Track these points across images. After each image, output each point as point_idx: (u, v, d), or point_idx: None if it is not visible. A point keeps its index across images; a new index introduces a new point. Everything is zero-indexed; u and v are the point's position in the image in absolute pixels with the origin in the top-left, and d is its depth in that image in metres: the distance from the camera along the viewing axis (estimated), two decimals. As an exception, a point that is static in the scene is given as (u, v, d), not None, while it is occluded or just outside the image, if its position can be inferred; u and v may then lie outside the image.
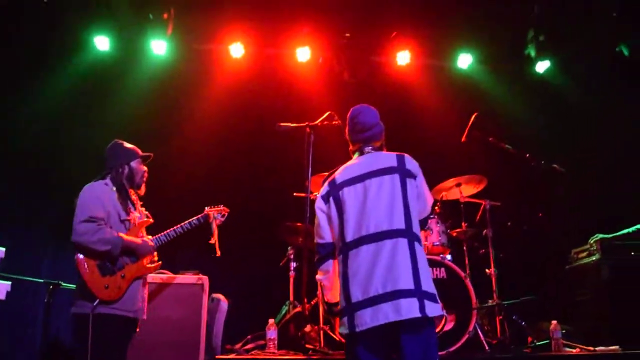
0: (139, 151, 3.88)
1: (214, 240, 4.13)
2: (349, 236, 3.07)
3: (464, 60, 7.04)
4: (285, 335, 4.61)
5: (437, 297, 2.97)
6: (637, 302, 5.15)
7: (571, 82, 7.06)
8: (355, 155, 3.34)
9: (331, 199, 3.20)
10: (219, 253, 4.13)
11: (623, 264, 5.30)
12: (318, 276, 3.28)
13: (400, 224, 3.01)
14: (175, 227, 3.93)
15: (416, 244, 3.02)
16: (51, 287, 4.19)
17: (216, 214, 4.18)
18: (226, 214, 4.24)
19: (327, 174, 4.92)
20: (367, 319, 2.89)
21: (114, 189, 3.70)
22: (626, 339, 4.77)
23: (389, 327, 2.86)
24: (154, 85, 6.39)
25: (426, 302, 2.87)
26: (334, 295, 3.23)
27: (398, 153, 3.23)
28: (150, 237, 3.81)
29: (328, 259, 3.23)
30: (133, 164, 3.81)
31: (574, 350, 4.67)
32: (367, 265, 2.97)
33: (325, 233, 3.22)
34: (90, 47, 6.28)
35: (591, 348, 4.66)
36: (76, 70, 6.19)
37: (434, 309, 2.89)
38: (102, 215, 3.55)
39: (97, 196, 3.60)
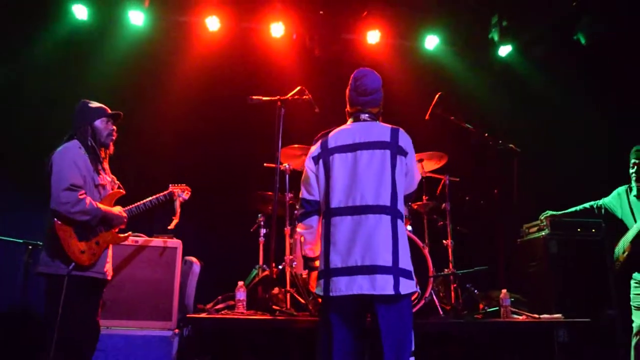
0: (107, 109, 3.80)
1: (176, 217, 4.20)
2: (334, 203, 3.08)
3: (431, 42, 7.12)
4: (253, 297, 4.67)
5: (413, 274, 3.01)
6: (581, 275, 5.38)
7: (530, 67, 7.22)
8: (350, 120, 3.30)
9: (321, 161, 3.19)
10: (173, 226, 4.22)
11: (570, 239, 5.49)
12: (300, 230, 3.29)
13: (385, 200, 3.01)
14: (144, 202, 3.97)
15: (399, 221, 3.03)
16: (30, 247, 4.20)
17: (180, 192, 4.23)
18: (189, 192, 4.28)
19: (296, 146, 5.06)
20: (342, 286, 2.95)
21: (84, 151, 3.64)
22: (568, 308, 4.98)
23: (364, 297, 2.93)
24: (130, 56, 6.34)
25: (401, 280, 2.91)
26: (313, 250, 3.23)
27: (393, 127, 3.20)
28: (120, 208, 3.80)
29: (312, 215, 3.23)
30: (97, 122, 3.72)
31: (520, 317, 4.80)
32: (348, 236, 2.99)
33: (314, 190, 3.21)
34: (68, 16, 6.16)
35: (536, 315, 4.82)
36: (54, 38, 6.09)
37: (407, 286, 2.93)
38: (81, 183, 3.54)
39: (74, 161, 3.56)
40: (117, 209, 3.78)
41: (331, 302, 3.04)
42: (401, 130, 3.20)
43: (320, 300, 3.20)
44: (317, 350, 3.12)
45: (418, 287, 3.15)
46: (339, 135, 3.23)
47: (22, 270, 4.26)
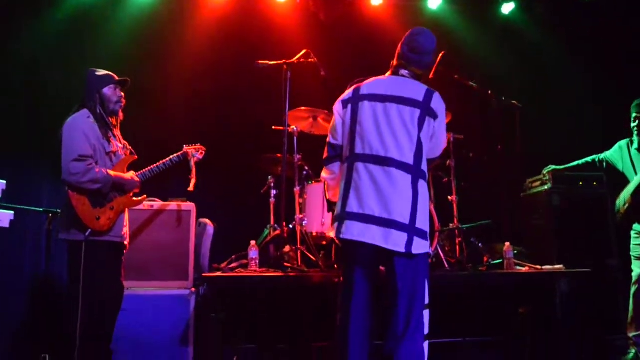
0: (114, 76, 3.79)
1: (193, 176, 4.20)
2: (358, 149, 3.05)
3: (434, 1, 7.02)
4: (266, 255, 4.75)
5: (427, 235, 3.00)
6: (582, 227, 5.43)
7: (533, 24, 7.12)
8: (389, 73, 3.24)
9: (349, 106, 3.15)
10: (192, 188, 4.22)
11: (572, 192, 5.53)
12: (324, 174, 3.30)
13: (409, 158, 2.97)
14: (157, 164, 3.97)
15: (421, 181, 3.00)
16: (50, 215, 4.26)
17: (194, 152, 4.22)
18: (204, 152, 4.28)
19: (303, 108, 5.06)
20: (355, 231, 2.95)
21: (93, 119, 3.64)
22: (570, 259, 5.03)
23: (377, 248, 2.93)
24: (136, 23, 6.28)
25: (415, 239, 2.91)
26: (335, 194, 3.22)
27: (429, 88, 3.14)
28: (132, 172, 3.83)
29: (336, 160, 3.23)
30: (105, 90, 3.72)
31: (523, 269, 4.84)
32: (369, 184, 2.96)
33: (338, 135, 3.20)
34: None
35: (539, 267, 4.86)
36: (60, 13, 6.03)
37: (421, 246, 2.93)
38: (90, 152, 3.55)
39: (83, 131, 3.56)
40: (130, 174, 3.81)
41: (345, 245, 3.07)
42: (437, 93, 3.14)
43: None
44: (339, 294, 3.15)
45: (431, 248, 3.13)
46: (372, 84, 3.18)
47: (45, 238, 4.34)
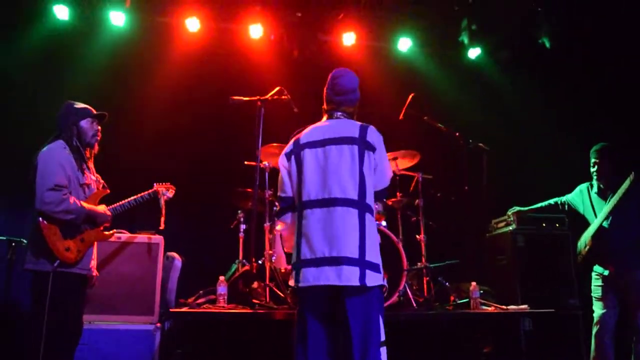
0: (92, 110, 3.78)
1: (162, 214, 4.18)
2: (305, 196, 3.07)
3: (404, 44, 7.15)
4: (234, 291, 4.67)
5: (380, 268, 2.99)
6: (546, 268, 5.50)
7: (499, 69, 7.32)
8: (324, 118, 3.29)
9: (293, 157, 3.18)
10: (162, 226, 4.20)
11: (535, 233, 5.61)
12: (277, 227, 3.31)
13: (353, 194, 3.00)
14: (128, 200, 3.94)
15: (367, 214, 3.01)
16: (13, 244, 4.13)
17: (164, 190, 4.20)
18: (174, 191, 4.26)
19: (275, 144, 5.05)
20: (310, 277, 2.94)
21: (69, 151, 3.60)
22: (534, 300, 5.10)
23: (331, 288, 2.92)
24: (112, 56, 6.25)
25: (367, 272, 2.89)
26: (291, 246, 3.20)
27: (363, 124, 3.18)
28: (104, 206, 3.78)
29: (288, 212, 3.23)
30: (83, 123, 3.70)
31: (489, 309, 4.87)
32: (317, 228, 2.98)
33: (287, 187, 3.21)
34: (49, 16, 6.05)
35: (504, 307, 4.90)
36: (35, 38, 5.98)
37: (374, 278, 2.92)
38: (65, 183, 3.51)
39: (59, 161, 3.52)
40: (102, 208, 3.76)
41: (302, 293, 3.05)
42: (371, 127, 3.18)
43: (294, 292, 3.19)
44: (293, 341, 3.10)
45: (386, 280, 3.10)
46: (310, 132, 3.23)
47: (5, 267, 4.17)
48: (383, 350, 2.94)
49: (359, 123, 3.21)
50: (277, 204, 3.30)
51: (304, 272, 2.99)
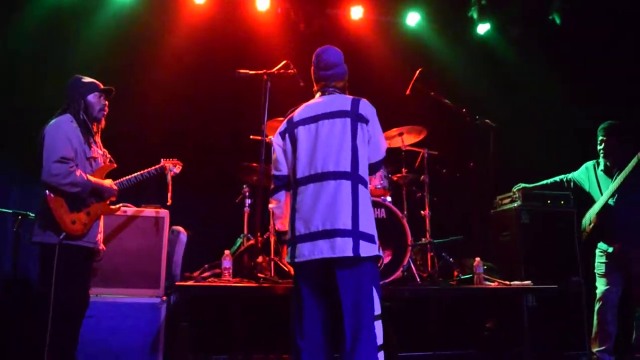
0: (99, 84, 3.78)
1: (169, 190, 4.17)
2: (299, 173, 3.08)
3: (413, 18, 7.05)
4: (239, 265, 4.67)
5: (375, 238, 2.99)
6: (549, 244, 5.49)
7: (507, 45, 7.21)
8: (317, 95, 3.29)
9: (287, 135, 3.19)
10: (169, 202, 4.19)
11: (540, 210, 5.59)
12: (270, 205, 3.30)
13: (345, 166, 2.99)
14: (135, 175, 3.94)
15: (360, 186, 3.00)
16: (20, 217, 4.14)
17: (172, 166, 4.19)
18: (180, 167, 4.25)
19: (282, 118, 5.00)
20: (306, 252, 2.95)
21: (76, 124, 3.61)
22: (537, 275, 5.09)
23: (326, 262, 2.91)
24: (117, 29, 6.14)
25: (361, 243, 2.89)
26: (283, 224, 3.24)
27: (355, 97, 3.18)
28: (111, 180, 3.79)
29: (281, 190, 3.25)
30: (90, 97, 3.70)
31: (492, 284, 4.86)
32: (310, 203, 2.99)
33: (282, 166, 3.22)
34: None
35: (507, 282, 4.89)
36: (39, 13, 5.87)
37: (368, 249, 2.91)
38: (72, 155, 3.51)
39: (65, 134, 3.53)
40: (108, 182, 3.76)
41: (298, 268, 3.05)
42: (363, 100, 3.18)
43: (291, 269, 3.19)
44: (291, 317, 3.10)
45: (381, 251, 3.07)
46: (304, 109, 3.23)
47: (12, 240, 4.19)
48: (378, 324, 2.91)
49: (351, 97, 3.20)
50: (272, 182, 3.29)
51: (299, 247, 2.99)
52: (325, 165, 3.02)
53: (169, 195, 4.17)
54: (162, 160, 4.19)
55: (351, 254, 2.86)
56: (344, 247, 2.87)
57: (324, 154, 3.04)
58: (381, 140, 3.22)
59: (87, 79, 3.77)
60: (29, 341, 3.77)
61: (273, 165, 3.29)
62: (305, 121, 3.16)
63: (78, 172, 3.51)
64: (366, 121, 3.10)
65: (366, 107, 3.15)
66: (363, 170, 3.06)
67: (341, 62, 3.32)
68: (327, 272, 2.96)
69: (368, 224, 2.98)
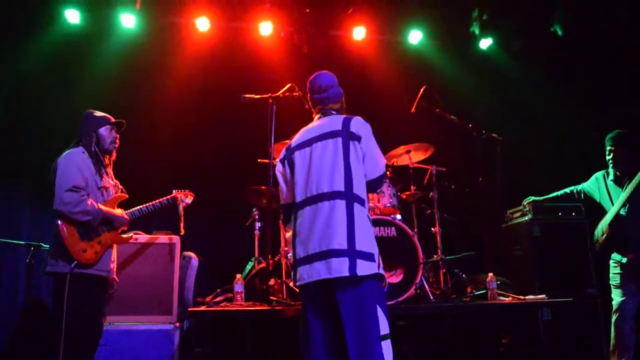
0: (110, 118, 3.88)
1: (181, 220, 4.22)
2: (297, 197, 3.09)
3: (415, 36, 7.09)
4: (251, 289, 4.68)
5: (375, 257, 2.94)
6: (562, 256, 5.39)
7: (510, 59, 7.23)
8: (315, 118, 3.31)
9: (286, 162, 3.22)
10: (182, 232, 4.25)
11: (551, 223, 5.50)
12: (287, 234, 3.36)
13: (339, 186, 2.98)
14: (147, 205, 4.02)
15: (356, 204, 2.97)
16: (32, 248, 4.17)
17: (183, 197, 4.26)
18: (192, 197, 4.32)
19: (288, 141, 5.03)
20: (305, 274, 2.95)
21: (87, 155, 3.70)
22: (552, 289, 5.01)
23: (325, 283, 2.90)
24: (123, 58, 6.24)
25: (358, 262, 2.85)
26: None
27: (347, 116, 3.19)
28: (122, 210, 3.86)
29: (289, 219, 3.24)
30: (102, 130, 3.81)
31: (506, 299, 4.81)
32: (308, 225, 2.99)
33: (285, 194, 3.25)
34: (61, 20, 6.07)
35: (521, 297, 4.84)
36: (47, 43, 5.99)
37: (366, 267, 2.87)
38: (83, 184, 3.59)
39: (77, 165, 3.62)
40: (119, 211, 3.83)
41: (302, 291, 3.05)
42: (356, 117, 3.17)
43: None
44: (300, 339, 3.09)
45: (382, 269, 3.01)
46: (300, 135, 3.26)
47: (25, 271, 4.22)
48: (385, 344, 2.86)
49: (344, 116, 3.21)
50: (281, 212, 3.33)
51: (300, 270, 3.00)
52: (319, 187, 3.02)
53: (182, 225, 4.23)
54: (174, 191, 4.26)
55: (347, 274, 2.84)
56: (340, 268, 2.85)
57: (317, 176, 3.05)
58: (378, 157, 3.18)
59: (99, 113, 3.88)
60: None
61: (280, 195, 3.32)
62: (301, 146, 3.19)
63: (89, 201, 3.58)
64: (358, 138, 3.09)
65: (358, 124, 3.13)
66: (358, 189, 3.04)
67: (334, 84, 3.35)
68: (328, 293, 2.94)
69: (366, 242, 2.95)
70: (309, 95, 3.39)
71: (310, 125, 3.29)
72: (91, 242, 3.60)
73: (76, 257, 3.52)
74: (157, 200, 4.10)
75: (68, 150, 3.71)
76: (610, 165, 4.94)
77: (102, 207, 3.66)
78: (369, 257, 2.91)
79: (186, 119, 6.35)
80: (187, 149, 6.32)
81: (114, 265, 3.82)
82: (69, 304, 3.45)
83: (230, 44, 6.67)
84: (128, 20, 6.24)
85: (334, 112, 3.28)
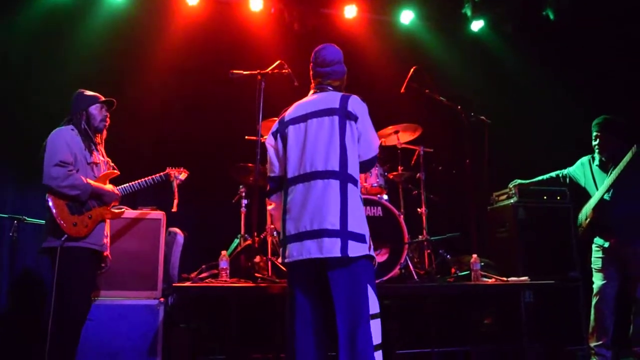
0: (100, 97, 3.90)
1: (175, 197, 4.22)
2: (290, 173, 3.06)
3: (406, 16, 7.05)
4: (236, 265, 4.66)
5: (366, 238, 2.94)
6: (546, 240, 5.52)
7: (501, 41, 7.22)
8: (310, 93, 3.26)
9: (278, 135, 3.17)
10: (175, 209, 4.22)
11: (536, 206, 5.61)
12: (269, 207, 3.29)
13: (334, 165, 2.95)
14: (139, 181, 4.03)
15: (350, 185, 2.95)
16: (16, 222, 4.16)
17: (177, 174, 4.26)
18: (186, 175, 4.32)
19: (276, 118, 4.98)
20: (295, 252, 2.93)
21: (77, 133, 3.74)
22: (535, 271, 5.09)
23: (316, 262, 2.89)
24: (110, 31, 6.12)
25: (350, 243, 2.85)
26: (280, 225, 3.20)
27: (345, 94, 3.14)
28: (112, 186, 3.88)
29: (277, 192, 3.22)
30: (91, 109, 3.84)
31: (490, 280, 4.86)
32: (299, 202, 2.96)
33: (275, 167, 3.20)
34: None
35: (504, 278, 4.88)
36: (32, 17, 5.85)
37: (357, 249, 2.86)
38: (71, 160, 3.62)
39: (65, 141, 3.66)
40: (110, 187, 3.86)
41: (290, 269, 3.05)
42: (353, 96, 3.13)
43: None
44: (286, 316, 3.11)
45: (372, 250, 3.01)
46: (295, 108, 3.21)
47: (9, 244, 4.21)
48: (375, 323, 2.88)
49: (341, 93, 3.16)
50: (268, 184, 3.27)
51: (289, 247, 2.97)
52: (313, 165, 2.99)
53: (175, 202, 4.23)
54: (167, 168, 4.26)
55: (339, 255, 2.83)
56: (331, 248, 2.84)
57: (312, 153, 3.01)
58: (372, 138, 3.16)
59: (89, 93, 3.91)
60: (30, 342, 3.76)
61: (268, 167, 3.27)
62: (295, 120, 3.14)
63: (77, 176, 3.62)
64: (355, 118, 3.05)
65: (355, 104, 3.09)
66: (353, 169, 3.02)
67: (339, 60, 3.28)
68: (318, 272, 2.94)
69: (358, 224, 2.94)
70: (311, 64, 3.30)
71: (304, 100, 3.24)
72: (81, 217, 3.64)
73: (67, 231, 3.55)
74: (149, 177, 4.11)
75: (57, 128, 3.75)
76: (596, 150, 4.97)
77: (91, 181, 3.69)
78: (360, 238, 2.91)
79: (173, 95, 6.27)
80: (174, 125, 6.25)
81: (107, 241, 3.86)
82: (59, 276, 3.50)
83: (219, 19, 6.57)
84: (115, -7, 6.12)
85: (332, 89, 3.22)
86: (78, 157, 3.69)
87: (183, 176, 4.30)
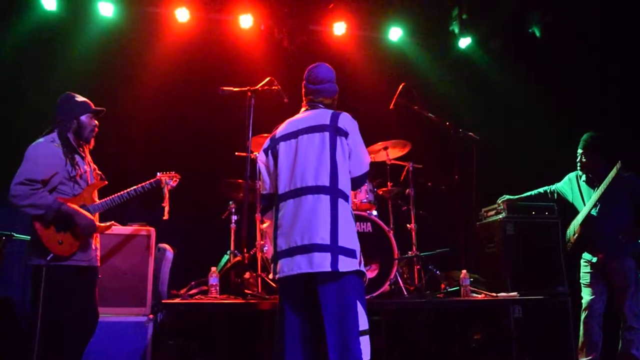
0: (91, 105, 3.72)
1: (166, 204, 4.10)
2: (280, 189, 3.07)
3: (395, 33, 7.16)
4: (226, 282, 4.66)
5: (356, 253, 2.95)
6: (535, 255, 5.55)
7: (489, 58, 7.33)
8: (302, 110, 3.29)
9: (269, 152, 3.19)
10: (167, 216, 4.12)
11: (525, 221, 5.66)
12: (262, 226, 3.34)
13: (324, 180, 2.97)
14: (128, 190, 3.86)
15: (340, 200, 2.97)
16: (4, 238, 4.09)
17: (168, 179, 4.12)
18: (178, 179, 4.19)
19: (267, 134, 5.04)
20: (285, 268, 2.93)
21: (59, 144, 3.53)
22: (524, 286, 5.14)
23: (306, 277, 2.90)
24: (101, 47, 6.18)
25: (340, 258, 2.86)
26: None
27: (335, 111, 3.17)
28: (92, 216, 3.63)
29: (270, 209, 3.22)
30: (83, 117, 3.65)
31: (479, 296, 4.89)
32: (290, 218, 2.97)
33: (266, 184, 3.22)
34: (36, 7, 5.96)
35: (494, 294, 4.91)
36: (23, 29, 5.90)
37: (348, 264, 2.87)
38: (39, 178, 3.40)
39: (42, 156, 3.46)
40: (88, 214, 3.58)
41: (280, 284, 3.05)
42: (344, 113, 3.16)
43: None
44: (275, 332, 3.10)
45: (362, 265, 3.02)
46: (286, 125, 3.24)
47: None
48: (364, 339, 2.88)
49: (332, 110, 3.19)
50: (260, 202, 3.30)
51: (281, 263, 2.99)
52: (304, 180, 3.01)
53: (166, 209, 4.09)
54: (157, 173, 4.12)
55: (329, 269, 2.84)
56: (321, 262, 2.85)
57: (302, 169, 3.03)
58: (363, 154, 3.19)
59: (80, 98, 3.71)
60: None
61: (261, 185, 3.29)
62: (286, 137, 3.17)
63: (42, 194, 3.41)
64: (345, 134, 3.08)
65: (346, 121, 3.13)
66: (343, 185, 3.04)
67: (331, 79, 3.32)
68: (308, 287, 2.95)
69: (348, 239, 2.96)
70: (303, 82, 3.34)
71: (296, 117, 3.27)
72: (67, 234, 3.47)
73: (52, 250, 3.41)
74: (139, 185, 3.93)
75: (37, 140, 3.54)
76: (578, 167, 5.04)
77: (71, 205, 3.47)
78: (351, 253, 2.92)
79: (163, 111, 6.31)
80: (163, 140, 6.28)
81: (96, 254, 3.68)
82: (44, 296, 3.35)
83: (209, 35, 6.65)
84: (106, 9, 6.17)
85: (323, 107, 3.25)
86: (59, 172, 3.48)
87: (174, 181, 4.14)
